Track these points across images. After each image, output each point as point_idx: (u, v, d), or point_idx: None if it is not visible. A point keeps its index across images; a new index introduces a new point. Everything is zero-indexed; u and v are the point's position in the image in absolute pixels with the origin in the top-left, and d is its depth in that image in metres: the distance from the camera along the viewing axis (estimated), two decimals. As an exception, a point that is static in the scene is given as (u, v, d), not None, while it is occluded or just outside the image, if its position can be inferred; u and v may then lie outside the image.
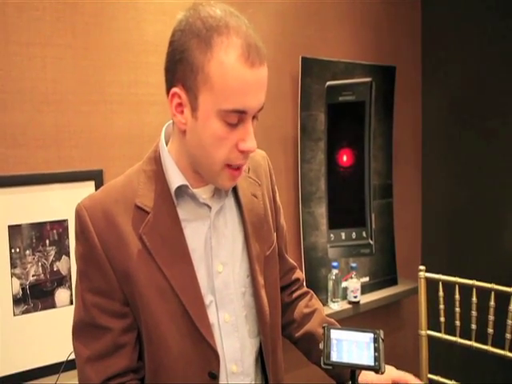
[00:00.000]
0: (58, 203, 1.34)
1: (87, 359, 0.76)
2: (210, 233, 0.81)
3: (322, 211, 1.93)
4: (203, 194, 0.81)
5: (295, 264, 1.08)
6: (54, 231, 1.33)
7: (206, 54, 0.69)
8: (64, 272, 1.35)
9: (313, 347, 0.96)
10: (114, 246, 0.76)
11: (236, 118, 0.72)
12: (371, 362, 0.79)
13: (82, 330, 0.77)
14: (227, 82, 0.69)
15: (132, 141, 1.47)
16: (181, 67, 0.72)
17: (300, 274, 1.08)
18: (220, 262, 0.82)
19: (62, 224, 1.34)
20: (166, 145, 0.82)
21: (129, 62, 1.47)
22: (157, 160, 0.81)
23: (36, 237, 1.30)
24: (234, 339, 0.82)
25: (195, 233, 0.80)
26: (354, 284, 1.91)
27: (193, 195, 0.80)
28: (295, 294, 1.04)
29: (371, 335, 0.82)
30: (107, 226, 0.76)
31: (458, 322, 1.60)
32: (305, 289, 1.07)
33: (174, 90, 0.73)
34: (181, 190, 0.79)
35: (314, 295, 1.07)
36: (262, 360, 0.89)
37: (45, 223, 1.32)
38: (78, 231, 0.78)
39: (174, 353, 0.77)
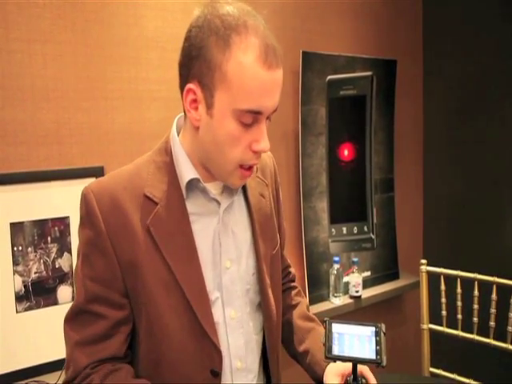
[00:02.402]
0: (59, 200, 1.34)
1: (76, 343, 0.76)
2: (218, 228, 0.81)
3: (323, 206, 1.93)
4: (213, 190, 0.81)
5: (289, 262, 1.08)
6: (56, 228, 1.33)
7: (225, 52, 0.70)
8: (66, 269, 1.35)
9: (288, 337, 0.98)
10: (121, 234, 0.75)
11: (251, 118, 0.72)
12: (373, 356, 0.79)
13: (78, 315, 0.77)
14: (245, 82, 0.69)
15: (133, 137, 1.47)
16: (197, 64, 0.72)
17: (293, 270, 1.09)
18: (228, 258, 0.82)
19: (63, 221, 1.34)
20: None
21: (129, 58, 1.47)
22: (167, 151, 0.80)
23: (38, 234, 1.31)
24: (239, 335, 0.82)
25: (204, 228, 0.80)
26: (355, 278, 1.92)
27: (203, 189, 0.80)
28: (284, 287, 1.05)
29: (373, 329, 0.82)
30: (114, 212, 0.75)
31: (459, 316, 1.60)
32: (294, 283, 1.08)
33: (189, 85, 0.73)
34: (191, 183, 0.79)
35: (301, 291, 1.08)
36: (263, 356, 0.90)
37: (46, 220, 1.32)
38: (83, 215, 0.77)
39: (176, 347, 0.76)
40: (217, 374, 0.79)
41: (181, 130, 0.82)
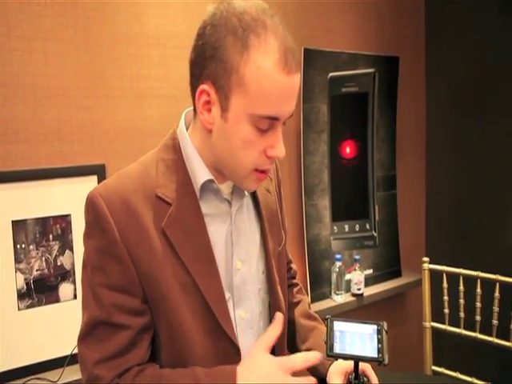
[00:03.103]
0: (61, 198, 1.34)
1: (97, 362, 0.71)
2: (230, 229, 0.79)
3: (325, 203, 1.92)
4: (225, 190, 0.79)
5: (291, 258, 1.07)
6: (58, 226, 1.33)
7: (243, 55, 0.67)
8: (68, 266, 1.35)
9: (291, 336, 0.96)
10: (136, 239, 0.71)
11: (267, 123, 0.70)
12: (374, 354, 0.79)
13: (94, 329, 0.72)
14: (263, 87, 0.67)
15: (134, 135, 1.47)
16: (212, 64, 0.68)
17: (294, 266, 1.08)
18: (239, 259, 0.80)
19: (65, 219, 1.34)
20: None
21: (130, 55, 1.47)
22: (176, 148, 0.77)
23: (39, 232, 1.31)
24: (249, 336, 0.82)
25: (217, 229, 0.78)
26: (357, 276, 1.91)
27: (217, 190, 0.77)
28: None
29: (375, 327, 0.82)
30: (127, 216, 0.71)
31: (462, 314, 1.60)
32: (295, 281, 1.07)
33: (203, 87, 0.70)
34: (205, 184, 0.76)
35: (303, 288, 1.08)
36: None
37: (48, 218, 1.32)
38: (91, 222, 0.72)
39: (198, 349, 0.75)
40: None
41: (189, 125, 0.79)
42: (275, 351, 0.88)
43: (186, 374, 0.72)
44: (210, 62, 0.68)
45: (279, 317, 0.77)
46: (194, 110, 0.75)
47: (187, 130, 0.78)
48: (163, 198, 0.73)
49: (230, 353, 0.78)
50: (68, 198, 1.35)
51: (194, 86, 0.72)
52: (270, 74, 0.66)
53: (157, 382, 0.71)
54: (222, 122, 0.70)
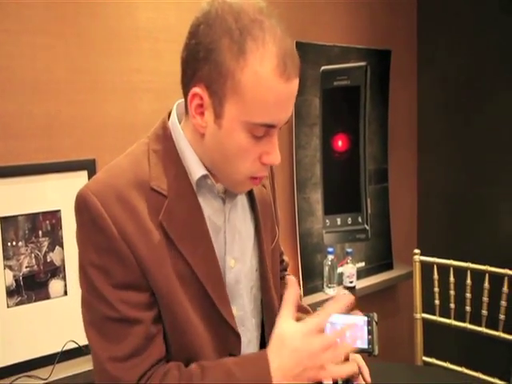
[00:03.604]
0: (51, 194, 1.33)
1: (113, 359, 0.68)
2: (224, 227, 0.78)
3: (317, 197, 1.93)
4: (219, 187, 0.77)
5: (283, 250, 1.07)
6: (47, 222, 1.32)
7: (239, 59, 0.63)
8: (58, 263, 1.34)
9: None
10: (134, 235, 0.68)
11: (263, 130, 0.67)
12: (365, 345, 0.80)
13: (108, 327, 0.69)
14: (260, 94, 0.64)
15: (125, 129, 1.46)
16: (206, 67, 0.65)
17: (286, 258, 1.08)
18: (232, 257, 0.79)
19: (54, 214, 1.33)
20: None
21: (121, 49, 1.45)
22: (168, 139, 0.74)
23: (29, 228, 1.29)
24: (240, 333, 0.81)
25: (210, 226, 0.76)
26: (349, 269, 1.93)
27: (210, 187, 0.76)
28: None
29: (365, 318, 0.83)
30: (124, 212, 0.68)
31: (452, 305, 1.62)
32: (287, 273, 1.07)
33: (196, 90, 0.67)
34: (199, 180, 0.74)
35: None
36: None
37: (37, 214, 1.31)
38: (86, 221, 0.69)
39: (201, 341, 0.74)
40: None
41: (181, 118, 0.76)
42: (266, 344, 0.89)
43: (218, 370, 0.70)
44: (204, 64, 0.66)
45: (292, 279, 0.76)
46: (186, 108, 0.73)
47: (179, 122, 0.76)
48: (158, 191, 0.71)
49: (230, 340, 0.78)
50: (58, 194, 1.33)
51: (185, 85, 0.70)
52: (267, 81, 0.64)
53: (187, 383, 0.69)
54: (216, 129, 0.68)
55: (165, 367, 0.71)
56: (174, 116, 0.76)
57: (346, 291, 0.72)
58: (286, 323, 0.71)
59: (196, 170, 0.74)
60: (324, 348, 0.68)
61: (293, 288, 0.75)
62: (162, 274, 0.71)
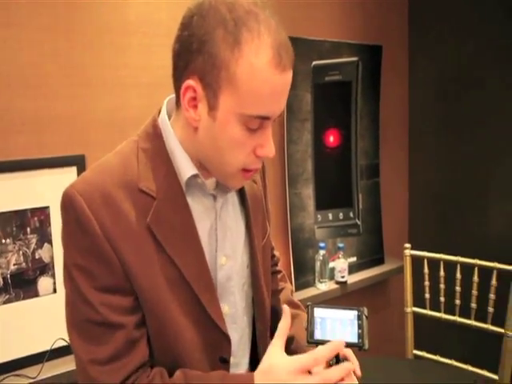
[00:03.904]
0: (39, 190, 1.31)
1: (94, 361, 0.67)
2: (215, 224, 0.77)
3: (308, 192, 1.93)
4: (209, 185, 0.77)
5: (273, 245, 1.07)
6: (36, 218, 1.30)
7: (233, 51, 0.63)
8: (46, 260, 1.33)
9: (273, 324, 0.95)
10: (120, 236, 0.67)
11: (258, 123, 0.66)
12: (355, 339, 0.80)
13: (90, 330, 0.68)
14: (255, 86, 0.63)
15: (115, 125, 1.45)
16: (199, 58, 0.64)
17: (277, 253, 1.08)
18: (224, 254, 0.78)
19: (43, 211, 1.32)
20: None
21: (110, 43, 1.44)
22: (157, 137, 0.73)
23: (17, 225, 1.28)
24: (232, 331, 0.81)
25: (201, 224, 0.75)
26: (341, 264, 1.94)
27: (201, 185, 0.75)
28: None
29: (355, 312, 0.82)
30: (109, 213, 0.67)
31: (442, 298, 1.63)
32: (278, 268, 1.06)
33: (189, 82, 0.66)
34: (189, 179, 0.73)
35: (285, 276, 1.07)
36: (252, 347, 0.89)
37: (25, 210, 1.29)
38: (71, 221, 0.68)
39: (189, 344, 0.73)
40: (226, 361, 0.79)
41: (171, 115, 0.75)
42: (257, 341, 0.89)
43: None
44: (197, 56, 0.64)
45: (286, 310, 0.76)
46: (177, 102, 0.72)
47: (169, 119, 0.75)
48: (147, 192, 0.70)
49: (220, 343, 0.77)
50: (47, 190, 1.31)
51: (177, 79, 0.69)
52: (262, 73, 0.63)
53: None
54: (210, 121, 0.67)
55: (148, 376, 0.71)
56: (163, 113, 0.75)
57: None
58: (276, 353, 0.71)
59: (186, 169, 0.73)
60: None
61: (286, 319, 0.75)
62: (148, 277, 0.69)
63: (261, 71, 0.63)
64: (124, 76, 1.47)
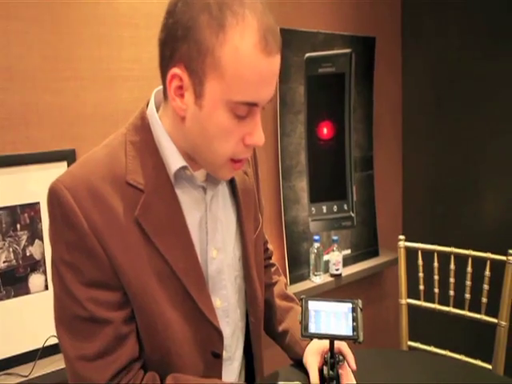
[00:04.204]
0: (29, 186, 1.28)
1: (82, 358, 0.67)
2: (205, 217, 0.76)
3: (302, 185, 1.93)
4: (199, 177, 0.76)
5: (267, 238, 1.07)
6: (26, 215, 1.28)
7: (218, 35, 0.61)
8: (37, 257, 1.31)
9: (267, 318, 0.96)
10: (108, 230, 0.66)
11: (246, 110, 0.65)
12: (349, 332, 0.80)
13: (78, 326, 0.67)
14: (241, 71, 0.62)
15: (105, 119, 1.43)
16: (184, 46, 0.63)
17: (271, 246, 1.08)
18: (214, 247, 0.78)
19: (33, 207, 1.29)
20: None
21: (100, 36, 1.41)
22: (146, 129, 0.72)
23: (6, 221, 1.25)
24: (224, 324, 0.80)
25: (190, 217, 0.74)
26: (335, 257, 1.93)
27: (190, 177, 0.74)
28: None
29: (349, 305, 0.82)
30: (96, 207, 0.66)
31: (436, 290, 1.64)
32: (271, 261, 1.06)
33: (175, 70, 0.65)
34: (178, 171, 0.73)
35: (279, 269, 1.07)
36: (245, 340, 0.89)
37: (15, 207, 1.27)
38: (57, 216, 0.67)
39: (180, 338, 0.73)
40: (218, 356, 0.78)
41: (159, 106, 0.74)
42: (250, 335, 0.88)
43: None
44: (183, 43, 0.64)
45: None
46: (164, 92, 0.71)
47: (157, 111, 0.74)
48: (135, 185, 0.69)
49: (212, 338, 0.77)
50: (36, 186, 1.29)
51: (164, 68, 0.67)
52: (248, 57, 0.62)
53: None
54: (197, 109, 0.66)
55: (141, 380, 0.70)
56: (151, 105, 0.74)
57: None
58: None
59: (174, 161, 0.72)
60: None
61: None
62: (136, 272, 0.69)
63: (246, 55, 0.62)
64: (114, 69, 1.45)
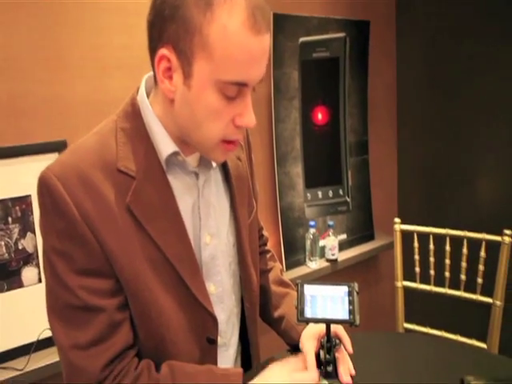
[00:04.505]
0: (20, 178, 1.27)
1: (75, 346, 0.67)
2: (198, 203, 0.76)
3: (297, 171, 1.92)
4: (191, 162, 0.75)
5: (262, 225, 1.06)
6: (17, 208, 1.27)
7: (206, 14, 0.61)
8: (30, 249, 1.30)
9: (263, 304, 0.97)
10: (99, 218, 0.66)
11: (235, 90, 0.65)
12: (346, 316, 0.80)
13: (70, 315, 0.67)
14: (230, 50, 0.62)
15: (96, 108, 1.41)
16: (172, 26, 0.62)
17: (266, 233, 1.07)
18: (208, 233, 0.78)
19: (25, 200, 1.28)
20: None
21: (89, 23, 1.39)
22: (137, 116, 0.71)
23: (-2, 215, 1.25)
24: (219, 310, 0.81)
25: (183, 203, 0.74)
26: (331, 242, 1.94)
27: (182, 163, 0.74)
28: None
29: (345, 288, 0.82)
30: (87, 195, 0.66)
31: (432, 271, 1.65)
32: (267, 247, 1.06)
33: (163, 51, 0.64)
34: (169, 157, 0.72)
35: (274, 255, 1.07)
36: (240, 326, 0.90)
37: (6, 200, 1.25)
38: (47, 205, 0.66)
39: (174, 325, 0.73)
40: (213, 342, 0.78)
41: (150, 92, 0.73)
42: (246, 321, 0.89)
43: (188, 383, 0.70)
44: (170, 24, 0.63)
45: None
46: (154, 77, 0.70)
47: (148, 97, 0.73)
48: (126, 172, 0.68)
49: (207, 324, 0.77)
50: (27, 178, 1.27)
51: (152, 50, 0.67)
52: (237, 35, 0.61)
53: None
54: (185, 90, 0.65)
55: (136, 369, 0.70)
56: (142, 90, 0.73)
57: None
58: (276, 366, 0.75)
59: (165, 147, 0.72)
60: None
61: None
62: (129, 259, 0.68)
63: (234, 34, 0.61)
64: (104, 57, 1.43)
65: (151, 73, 0.73)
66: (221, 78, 0.63)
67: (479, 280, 1.56)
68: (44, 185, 0.67)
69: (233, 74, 0.63)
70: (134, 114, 0.72)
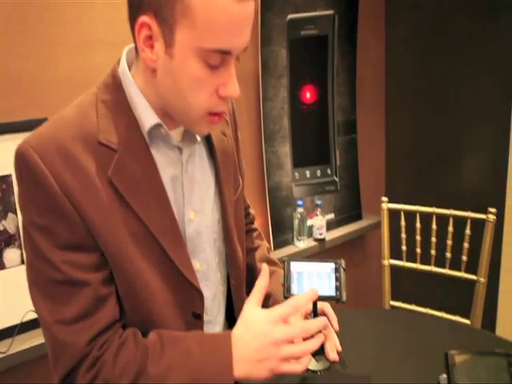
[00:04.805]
0: (0, 158, 1.23)
1: (60, 321, 0.65)
2: (181, 178, 0.75)
3: (285, 150, 1.91)
4: (175, 136, 0.73)
5: (248, 203, 1.05)
6: (-3, 188, 1.24)
7: None
8: (12, 230, 1.26)
9: (250, 282, 0.95)
10: (79, 191, 0.64)
11: (219, 58, 0.63)
12: (332, 293, 0.80)
13: (54, 290, 0.66)
14: (212, 16, 0.60)
15: (79, 85, 1.36)
16: None
17: (253, 211, 1.07)
18: (192, 209, 0.76)
19: (5, 179, 1.24)
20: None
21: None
22: (118, 87, 0.69)
23: (-24, 195, 1.21)
24: (205, 287, 0.80)
25: (165, 177, 0.73)
26: (319, 221, 1.95)
27: (165, 136, 0.72)
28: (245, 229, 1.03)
29: (332, 265, 0.82)
30: (67, 167, 0.64)
31: (418, 250, 1.67)
32: (253, 226, 1.06)
33: (143, 19, 0.62)
34: (152, 129, 0.70)
35: (261, 233, 1.07)
36: (227, 305, 0.89)
37: (-15, 180, 1.22)
38: (25, 179, 0.65)
39: (160, 299, 0.72)
40: (199, 316, 0.78)
41: (132, 65, 0.71)
42: (232, 298, 0.88)
43: (177, 348, 0.68)
44: None
45: (265, 268, 0.76)
46: (136, 48, 0.68)
47: (130, 69, 0.71)
48: (107, 144, 0.67)
49: (193, 299, 0.77)
50: (7, 158, 1.19)
51: (132, 18, 0.64)
52: (219, 1, 0.60)
53: (142, 360, 0.67)
54: (167, 59, 0.63)
55: (121, 337, 0.70)
56: (123, 62, 0.71)
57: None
58: (252, 309, 0.71)
59: (148, 119, 0.70)
60: (288, 338, 0.68)
61: (264, 277, 0.74)
62: (112, 232, 0.67)
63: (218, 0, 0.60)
64: (87, 33, 1.38)
65: (132, 45, 0.71)
66: (203, 45, 0.62)
67: (464, 258, 1.59)
68: (21, 158, 0.65)
69: (215, 41, 0.62)
70: (114, 86, 0.70)
